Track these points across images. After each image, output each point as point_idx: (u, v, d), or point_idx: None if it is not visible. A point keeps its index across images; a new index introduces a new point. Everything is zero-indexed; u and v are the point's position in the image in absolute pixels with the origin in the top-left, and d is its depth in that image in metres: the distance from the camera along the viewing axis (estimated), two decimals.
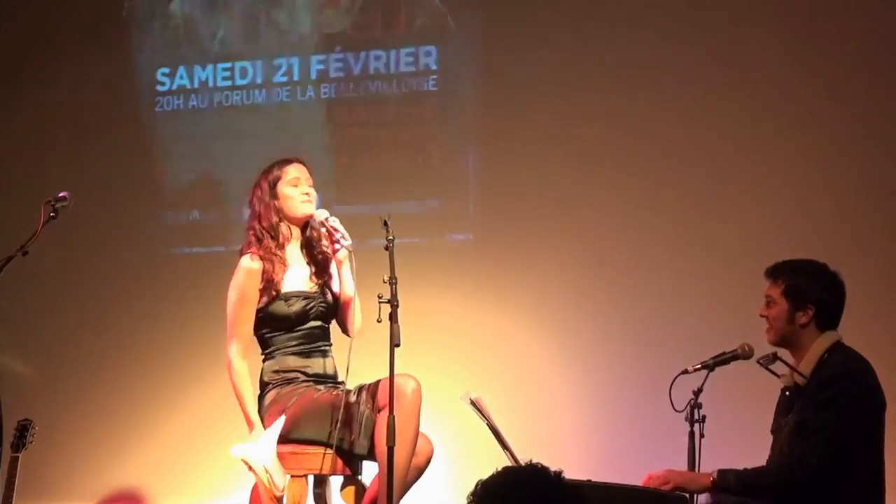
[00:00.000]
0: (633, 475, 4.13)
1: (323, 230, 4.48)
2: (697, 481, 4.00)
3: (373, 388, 4.32)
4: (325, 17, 6.40)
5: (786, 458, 4.00)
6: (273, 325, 4.44)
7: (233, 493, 5.41)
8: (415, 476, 4.33)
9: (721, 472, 3.98)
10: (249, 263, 4.43)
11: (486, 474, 2.69)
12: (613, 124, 5.92)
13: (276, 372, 4.42)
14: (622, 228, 5.87)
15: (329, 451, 4.28)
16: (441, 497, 5.55)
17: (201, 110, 6.49)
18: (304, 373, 4.41)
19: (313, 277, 4.50)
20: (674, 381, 4.09)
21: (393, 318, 4.11)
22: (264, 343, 4.48)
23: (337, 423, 4.24)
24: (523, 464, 2.76)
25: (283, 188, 4.51)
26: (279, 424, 4.28)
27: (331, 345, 4.52)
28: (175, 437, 6.14)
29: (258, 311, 4.42)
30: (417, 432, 4.27)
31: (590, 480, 3.91)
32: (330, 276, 4.52)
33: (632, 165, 5.88)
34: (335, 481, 4.49)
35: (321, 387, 4.40)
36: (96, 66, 6.53)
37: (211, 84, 6.46)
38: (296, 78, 6.36)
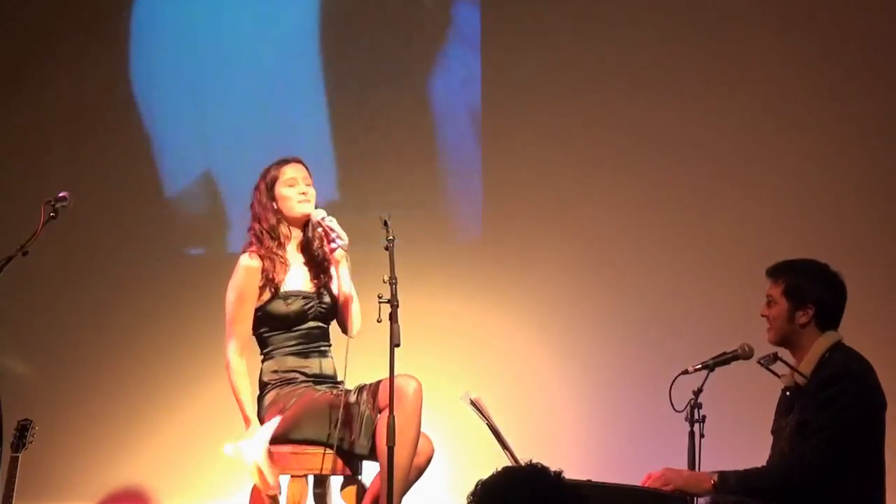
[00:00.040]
0: (633, 475, 4.13)
1: (319, 230, 4.49)
2: (698, 484, 3.98)
3: (374, 388, 4.32)
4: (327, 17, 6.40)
5: (786, 458, 4.00)
6: (271, 324, 4.45)
7: (233, 493, 5.41)
8: (415, 475, 4.34)
9: (721, 474, 3.97)
10: (248, 261, 4.44)
11: (486, 474, 2.68)
12: (613, 124, 5.92)
13: (276, 372, 4.42)
14: (622, 228, 5.87)
15: (329, 451, 4.29)
16: (441, 497, 5.55)
17: (201, 110, 6.48)
18: (303, 373, 4.41)
19: (313, 278, 4.50)
20: (674, 381, 4.09)
21: (393, 318, 4.11)
22: (263, 343, 4.49)
23: (337, 423, 4.24)
24: (523, 464, 2.76)
25: (281, 189, 4.52)
26: (273, 423, 4.28)
27: (330, 345, 4.52)
28: (175, 437, 6.14)
29: (257, 309, 4.43)
30: (419, 432, 4.27)
31: (590, 480, 3.91)
32: (330, 277, 4.52)
33: (632, 165, 5.88)
34: (335, 481, 4.49)
35: (321, 387, 4.40)
36: (96, 66, 6.52)
37: (211, 84, 6.46)
38: (299, 78, 6.35)
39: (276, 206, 4.51)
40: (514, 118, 6.07)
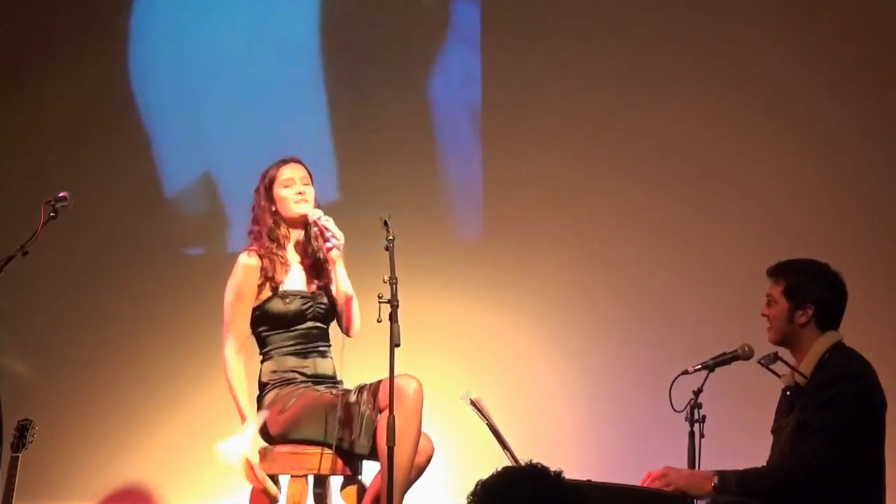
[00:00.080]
0: (633, 475, 4.12)
1: (315, 230, 4.49)
2: (699, 485, 3.98)
3: (374, 388, 4.32)
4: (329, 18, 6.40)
5: (786, 458, 4.00)
6: (270, 322, 4.45)
7: (233, 494, 5.41)
8: (416, 475, 4.34)
9: (721, 475, 3.97)
10: (247, 260, 4.45)
11: (486, 474, 2.68)
12: (613, 124, 5.91)
13: (275, 372, 4.42)
14: (622, 228, 5.87)
15: (329, 451, 4.29)
16: (441, 497, 5.55)
17: (201, 110, 6.48)
18: (302, 373, 4.41)
19: (312, 278, 4.50)
20: (674, 381, 4.09)
21: (393, 318, 4.11)
22: (262, 342, 4.49)
23: (337, 423, 4.24)
24: (523, 464, 2.76)
25: (278, 189, 4.53)
26: (261, 417, 4.29)
27: (329, 346, 4.52)
28: (175, 437, 6.14)
29: (255, 308, 4.43)
30: (420, 432, 4.27)
31: (590, 480, 3.90)
32: (330, 278, 4.52)
33: (632, 165, 5.88)
34: (335, 481, 4.49)
35: (320, 387, 4.40)
36: (95, 66, 6.52)
37: (211, 84, 6.45)
38: (299, 78, 6.35)
39: (273, 208, 4.52)
40: (514, 118, 6.06)
